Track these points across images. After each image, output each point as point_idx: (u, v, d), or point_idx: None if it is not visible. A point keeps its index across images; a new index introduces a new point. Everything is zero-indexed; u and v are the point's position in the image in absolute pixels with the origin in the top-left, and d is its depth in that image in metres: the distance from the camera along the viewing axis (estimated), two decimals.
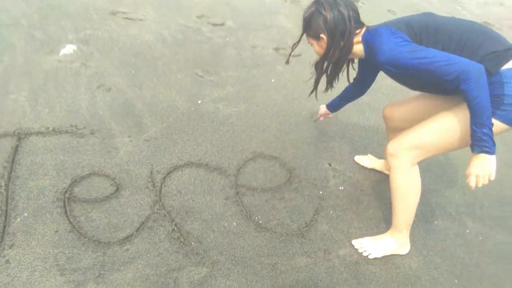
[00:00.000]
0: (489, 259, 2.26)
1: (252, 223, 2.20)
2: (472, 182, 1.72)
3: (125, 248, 1.97)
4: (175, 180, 2.36)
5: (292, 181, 2.50)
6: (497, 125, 1.67)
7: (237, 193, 2.34)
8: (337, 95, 2.53)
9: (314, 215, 2.31)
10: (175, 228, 2.08)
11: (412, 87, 2.04)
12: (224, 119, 2.91)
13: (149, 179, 2.32)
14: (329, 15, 1.80)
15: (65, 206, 2.10)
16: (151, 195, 2.24)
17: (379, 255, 2.12)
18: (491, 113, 1.60)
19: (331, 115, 2.73)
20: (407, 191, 1.97)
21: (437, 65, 1.60)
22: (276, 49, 3.96)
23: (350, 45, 1.86)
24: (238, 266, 1.98)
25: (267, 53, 3.86)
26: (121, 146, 2.50)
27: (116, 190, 2.22)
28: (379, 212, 2.40)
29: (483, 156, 1.65)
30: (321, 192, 2.47)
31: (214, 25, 4.17)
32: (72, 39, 3.46)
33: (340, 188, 2.52)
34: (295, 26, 4.44)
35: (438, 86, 1.79)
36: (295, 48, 2.05)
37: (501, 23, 5.91)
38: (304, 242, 2.15)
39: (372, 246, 2.14)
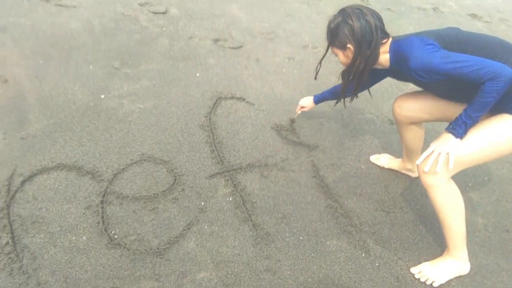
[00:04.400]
0: None
1: (106, 238, 1.95)
2: (424, 154, 1.79)
3: None
4: (36, 184, 2.13)
5: (174, 189, 2.24)
6: None
7: (102, 201, 2.09)
8: (329, 89, 2.48)
9: (184, 230, 2.05)
10: (10, 241, 1.85)
11: (439, 94, 1.99)
12: (123, 116, 2.66)
13: (6, 183, 2.10)
14: (356, 25, 1.80)
15: None
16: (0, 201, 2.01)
17: (444, 281, 2.00)
18: (483, 114, 1.68)
19: (307, 109, 2.67)
20: (453, 206, 1.88)
21: (472, 68, 1.60)
22: (216, 40, 3.67)
23: (376, 55, 1.86)
24: None
25: (203, 45, 3.57)
26: None
27: None
28: (264, 228, 2.12)
29: (448, 135, 1.75)
30: (203, 203, 2.19)
31: (155, 13, 3.91)
32: None
33: (228, 199, 2.24)
34: (246, 16, 4.14)
35: (465, 93, 1.75)
36: (321, 60, 2.13)
37: (492, 15, 5.43)
38: (158, 262, 1.89)
39: (433, 272, 2.01)
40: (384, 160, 2.65)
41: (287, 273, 1.94)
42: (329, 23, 1.92)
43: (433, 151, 1.78)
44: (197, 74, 3.19)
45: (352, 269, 2.01)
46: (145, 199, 2.16)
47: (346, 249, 2.10)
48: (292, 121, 2.81)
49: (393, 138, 2.89)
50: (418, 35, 1.78)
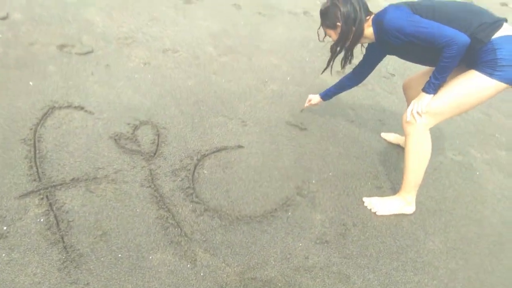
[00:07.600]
0: None
1: None
2: (408, 113, 2.22)
3: None
4: None
5: None
6: (498, 84, 2.01)
7: None
8: (332, 85, 2.83)
9: None
10: None
11: (413, 59, 2.38)
12: None
13: None
14: (343, 7, 2.21)
15: None
16: None
17: (386, 213, 2.41)
18: (448, 75, 2.06)
19: (317, 105, 3.00)
20: (421, 154, 2.26)
21: (429, 33, 1.96)
22: (62, 46, 3.37)
23: (361, 30, 2.26)
24: None
25: (45, 51, 3.25)
26: None
27: None
28: (77, 249, 1.89)
29: (422, 93, 2.18)
30: (5, 228, 1.91)
31: None
32: None
33: (39, 220, 1.99)
34: (104, 20, 3.88)
35: (433, 56, 2.06)
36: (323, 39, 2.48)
37: None
38: None
39: (380, 204, 2.42)
40: (392, 137, 3.11)
41: None
42: (321, 8, 2.32)
43: (412, 109, 2.20)
44: (31, 83, 2.88)
45: (172, 283, 1.87)
46: None
47: (170, 262, 1.95)
48: (301, 111, 3.17)
49: (243, 140, 2.82)
50: (393, 5, 2.14)
